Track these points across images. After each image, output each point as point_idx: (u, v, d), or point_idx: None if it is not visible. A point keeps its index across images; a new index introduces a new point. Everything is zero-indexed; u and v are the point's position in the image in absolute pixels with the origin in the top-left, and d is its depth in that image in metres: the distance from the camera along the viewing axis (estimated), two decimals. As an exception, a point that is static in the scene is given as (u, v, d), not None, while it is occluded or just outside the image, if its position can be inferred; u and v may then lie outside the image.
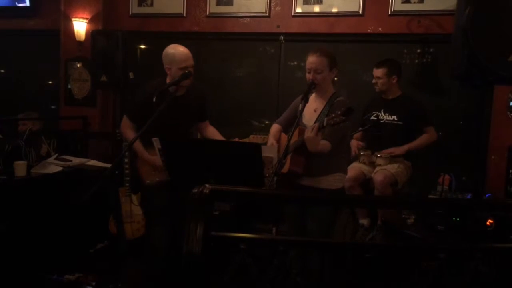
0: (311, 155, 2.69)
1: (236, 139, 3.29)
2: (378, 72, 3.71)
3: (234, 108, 4.68)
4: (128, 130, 3.21)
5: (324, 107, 2.81)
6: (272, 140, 2.95)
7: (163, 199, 3.29)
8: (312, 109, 2.88)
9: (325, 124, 2.49)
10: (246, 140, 3.32)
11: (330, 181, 2.80)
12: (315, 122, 2.76)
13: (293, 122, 2.81)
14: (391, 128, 3.68)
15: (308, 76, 2.80)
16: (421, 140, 3.66)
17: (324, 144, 2.64)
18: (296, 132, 2.77)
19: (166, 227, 3.38)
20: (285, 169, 2.77)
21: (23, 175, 3.54)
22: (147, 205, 3.57)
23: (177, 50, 3.04)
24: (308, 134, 2.54)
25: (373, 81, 3.76)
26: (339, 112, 2.43)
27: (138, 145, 3.10)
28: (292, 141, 2.76)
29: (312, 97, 2.92)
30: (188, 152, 2.65)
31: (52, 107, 5.30)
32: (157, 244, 3.43)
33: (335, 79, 2.90)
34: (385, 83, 3.70)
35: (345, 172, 2.96)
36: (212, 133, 3.38)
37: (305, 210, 2.88)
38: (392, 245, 1.88)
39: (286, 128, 3.01)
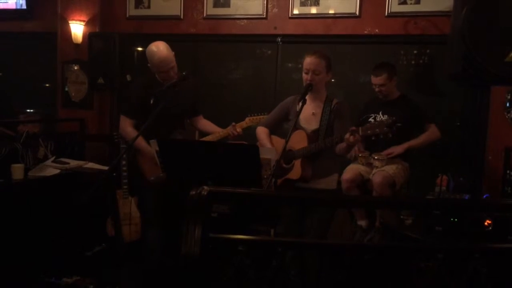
0: (317, 159, 2.73)
1: (233, 124, 3.30)
2: (379, 80, 3.64)
3: (231, 109, 4.67)
4: (128, 128, 3.23)
5: (323, 111, 2.81)
6: (269, 145, 2.95)
7: (159, 201, 3.30)
8: (309, 112, 2.88)
9: (360, 133, 2.53)
10: (243, 123, 3.34)
11: (328, 182, 2.85)
12: (320, 125, 2.78)
13: (282, 124, 2.86)
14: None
15: (306, 77, 2.81)
16: (422, 138, 3.63)
17: None
18: (303, 137, 2.78)
19: (161, 230, 3.39)
20: (296, 175, 2.78)
21: (20, 178, 3.53)
22: (143, 206, 3.57)
23: (154, 57, 3.12)
24: (351, 140, 2.56)
25: (376, 89, 3.69)
26: (385, 127, 2.51)
27: (141, 142, 3.16)
28: (297, 145, 2.77)
29: (306, 99, 2.93)
30: (186, 153, 2.65)
31: (49, 109, 5.27)
32: (152, 247, 3.43)
33: (331, 81, 2.92)
34: (388, 89, 3.67)
35: (340, 173, 3.01)
36: (207, 124, 3.48)
37: (302, 210, 2.89)
38: (390, 246, 1.88)
39: (274, 130, 3.04)
